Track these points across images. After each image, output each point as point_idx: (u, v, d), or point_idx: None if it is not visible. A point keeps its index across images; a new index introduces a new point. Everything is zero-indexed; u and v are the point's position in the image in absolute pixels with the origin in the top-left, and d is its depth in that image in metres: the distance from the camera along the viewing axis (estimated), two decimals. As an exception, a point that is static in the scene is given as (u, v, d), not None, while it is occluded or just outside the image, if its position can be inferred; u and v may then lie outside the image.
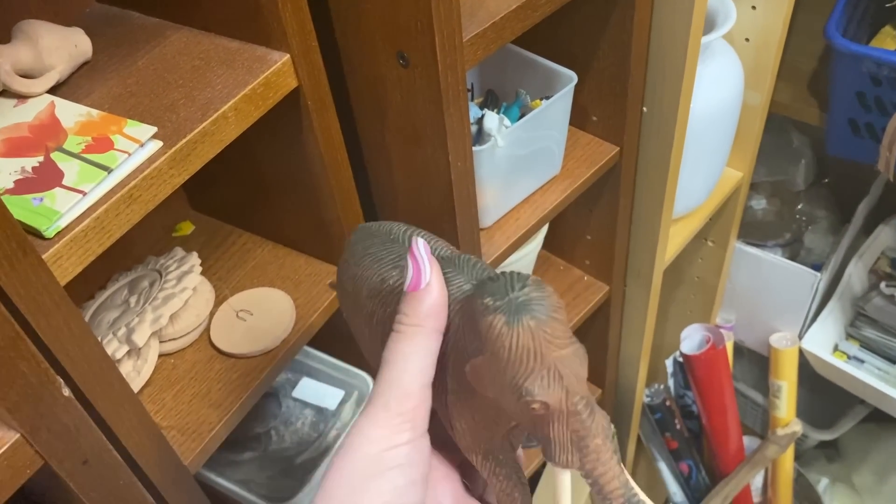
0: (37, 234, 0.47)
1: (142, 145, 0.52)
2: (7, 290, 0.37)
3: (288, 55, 0.59)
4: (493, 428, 0.35)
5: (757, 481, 1.45)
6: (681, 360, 1.33)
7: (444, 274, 0.35)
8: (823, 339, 1.35)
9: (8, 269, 0.42)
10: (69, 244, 0.48)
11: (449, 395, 0.35)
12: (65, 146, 0.52)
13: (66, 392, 0.39)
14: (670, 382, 1.37)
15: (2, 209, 0.41)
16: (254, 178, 0.76)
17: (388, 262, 0.38)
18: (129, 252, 0.79)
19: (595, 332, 1.12)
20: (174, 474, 0.57)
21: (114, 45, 0.62)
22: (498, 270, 0.36)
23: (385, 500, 0.32)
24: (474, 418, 0.35)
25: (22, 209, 0.48)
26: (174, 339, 0.70)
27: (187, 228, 0.83)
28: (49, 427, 0.39)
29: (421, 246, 0.34)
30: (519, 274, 0.32)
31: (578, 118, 0.86)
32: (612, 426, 0.31)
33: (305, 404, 0.85)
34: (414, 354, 0.33)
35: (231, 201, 0.81)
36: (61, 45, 0.58)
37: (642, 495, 0.33)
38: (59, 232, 0.48)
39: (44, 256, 0.46)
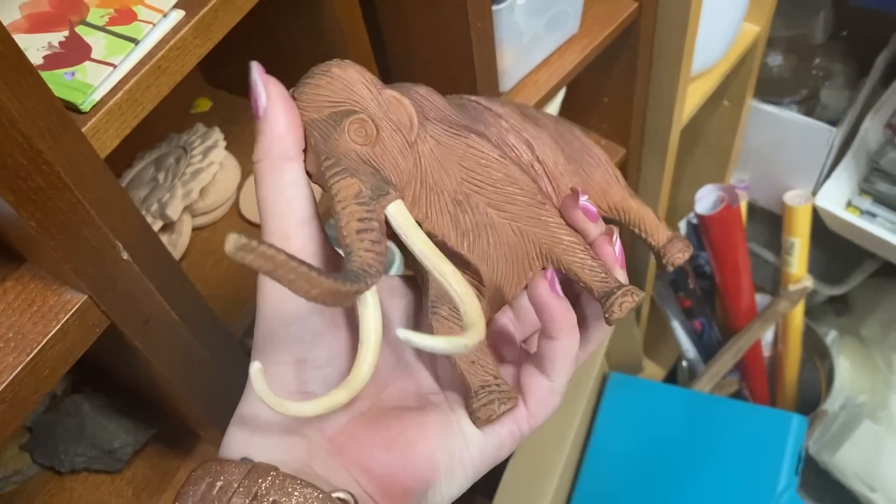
0: (73, 109, 0.48)
1: (165, 15, 0.51)
2: (54, 161, 0.38)
3: (301, -85, 0.57)
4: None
5: (767, 336, 1.50)
6: (695, 221, 1.35)
7: None
8: (837, 195, 1.36)
9: (51, 142, 0.43)
10: (105, 117, 0.48)
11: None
12: (88, 19, 0.52)
13: (125, 255, 0.41)
14: (683, 244, 1.39)
15: (40, 84, 0.42)
16: (269, 49, 0.75)
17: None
18: (151, 131, 0.80)
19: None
20: (219, 339, 0.60)
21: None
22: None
23: (302, 347, 0.31)
24: None
25: (55, 84, 0.48)
26: (205, 213, 0.72)
27: (205, 105, 0.83)
28: (113, 288, 0.41)
29: (254, 69, 0.32)
30: None
31: (595, -25, 0.84)
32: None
33: (334, 273, 0.87)
34: (272, 195, 0.30)
35: (247, 76, 0.81)
36: (70, -85, 0.56)
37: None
38: (94, 105, 0.48)
39: (83, 130, 0.47)
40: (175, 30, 0.51)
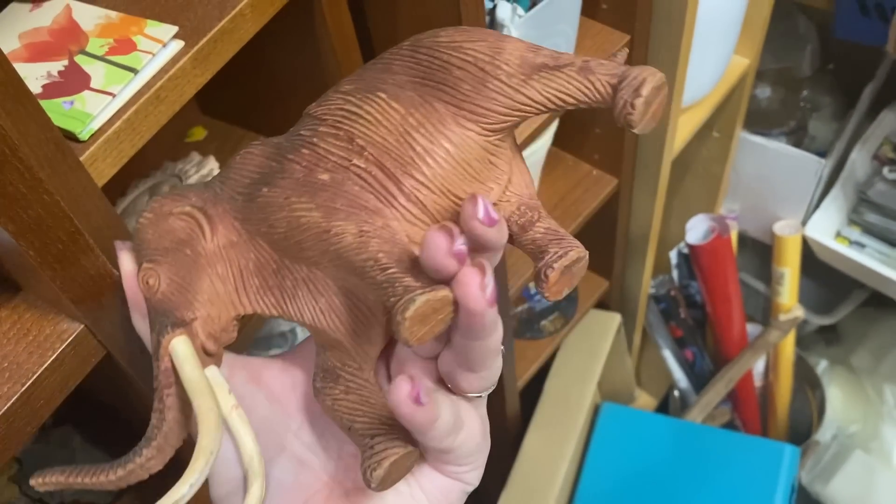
0: (72, 137, 0.48)
1: (164, 45, 0.52)
2: (54, 191, 0.38)
3: (299, -53, 0.58)
4: None
5: (759, 366, 1.51)
6: (685, 251, 1.35)
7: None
8: (826, 226, 1.37)
9: (50, 171, 0.43)
10: (103, 146, 0.48)
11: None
12: (88, 49, 0.52)
13: (123, 285, 0.41)
14: (674, 273, 1.40)
15: (40, 112, 0.42)
16: (265, 79, 0.75)
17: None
18: (145, 159, 0.79)
19: (603, 226, 1.14)
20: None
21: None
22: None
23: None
24: None
25: (54, 113, 0.48)
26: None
27: (200, 134, 0.83)
28: (109, 318, 0.41)
29: (117, 245, 0.38)
30: None
31: (588, 6, 0.85)
32: None
33: (328, 302, 0.87)
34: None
35: (242, 104, 0.81)
36: (70, -54, 0.57)
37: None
38: (92, 134, 0.48)
39: (81, 159, 0.47)
40: (174, 60, 0.52)
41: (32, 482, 0.30)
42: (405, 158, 0.31)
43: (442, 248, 0.26)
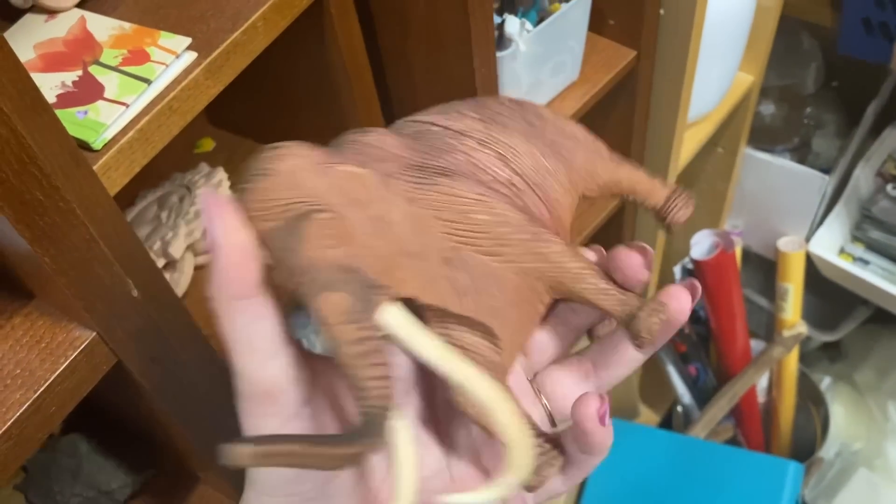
0: (85, 147, 0.48)
1: (178, 57, 0.52)
2: (70, 199, 0.38)
3: (313, -38, 0.58)
4: None
5: (762, 382, 1.50)
6: (690, 266, 1.35)
7: None
8: (830, 242, 1.37)
9: (64, 180, 0.44)
10: (116, 156, 0.49)
11: None
12: (102, 60, 0.53)
13: (136, 293, 0.41)
14: (679, 289, 1.40)
15: (55, 122, 0.42)
16: (274, 91, 0.76)
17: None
18: (154, 169, 0.80)
19: (608, 241, 1.14)
20: (221, 381, 0.60)
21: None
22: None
23: None
24: None
25: (68, 122, 0.48)
26: (207, 252, 0.72)
27: (208, 145, 0.84)
28: (121, 326, 0.41)
29: (205, 197, 0.28)
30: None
31: (595, 22, 0.86)
32: None
33: (334, 314, 0.87)
34: (231, 336, 0.27)
35: (251, 116, 0.82)
36: (85, -42, 0.58)
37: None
38: (105, 144, 0.49)
39: (94, 168, 0.47)
40: (187, 71, 0.52)
41: (232, 452, 0.23)
42: (549, 194, 0.34)
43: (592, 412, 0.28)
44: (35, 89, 0.40)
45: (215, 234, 0.26)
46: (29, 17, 0.57)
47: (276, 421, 0.27)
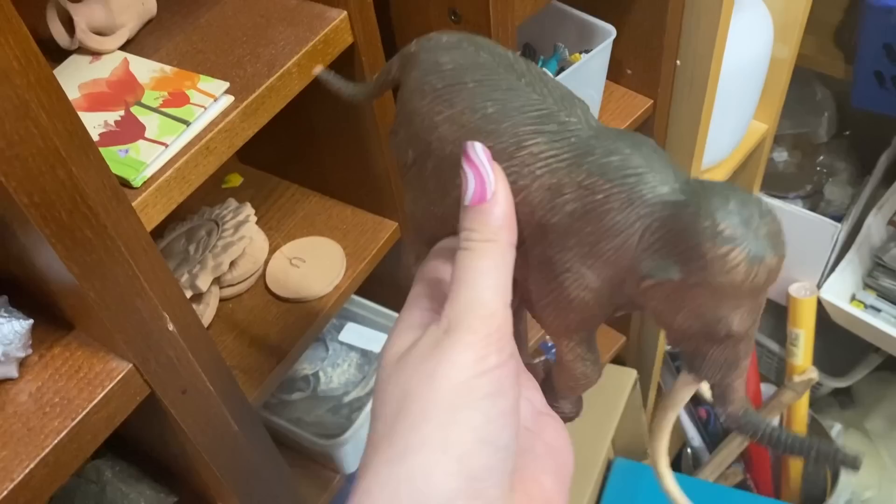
0: (125, 184, 0.51)
1: (216, 100, 0.54)
2: (116, 236, 0.40)
3: (345, 12, 0.61)
4: (595, 323, 0.33)
5: (772, 426, 1.50)
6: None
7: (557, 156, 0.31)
8: (841, 289, 1.38)
9: (103, 216, 0.46)
10: (154, 193, 0.51)
11: (544, 287, 0.33)
12: (143, 101, 0.55)
13: (171, 327, 0.43)
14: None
15: (100, 160, 0.45)
16: (303, 131, 0.78)
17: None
18: (183, 203, 0.82)
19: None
20: (245, 411, 0.61)
21: (175, 3, 0.65)
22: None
23: (477, 435, 0.29)
24: (578, 318, 0.32)
25: (110, 160, 0.51)
26: (232, 284, 0.74)
27: (236, 180, 0.86)
28: (156, 358, 0.43)
29: (479, 150, 0.30)
30: (747, 195, 0.28)
31: (613, 71, 0.88)
32: None
33: (351, 347, 0.89)
34: (491, 272, 0.30)
35: (279, 154, 0.84)
36: (130, 4, 0.60)
37: (751, 407, 0.33)
38: (145, 182, 0.51)
39: (133, 204, 0.50)
40: (224, 113, 0.55)
41: None
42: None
43: None
44: (83, 130, 0.42)
45: (491, 185, 0.30)
46: (74, 58, 0.59)
47: (494, 362, 0.29)
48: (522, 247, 0.33)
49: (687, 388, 0.33)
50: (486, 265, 0.30)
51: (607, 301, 0.32)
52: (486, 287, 0.30)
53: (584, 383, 0.37)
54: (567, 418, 0.39)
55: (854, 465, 0.31)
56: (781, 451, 0.32)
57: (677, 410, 0.35)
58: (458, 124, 0.33)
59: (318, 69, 0.38)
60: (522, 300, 0.35)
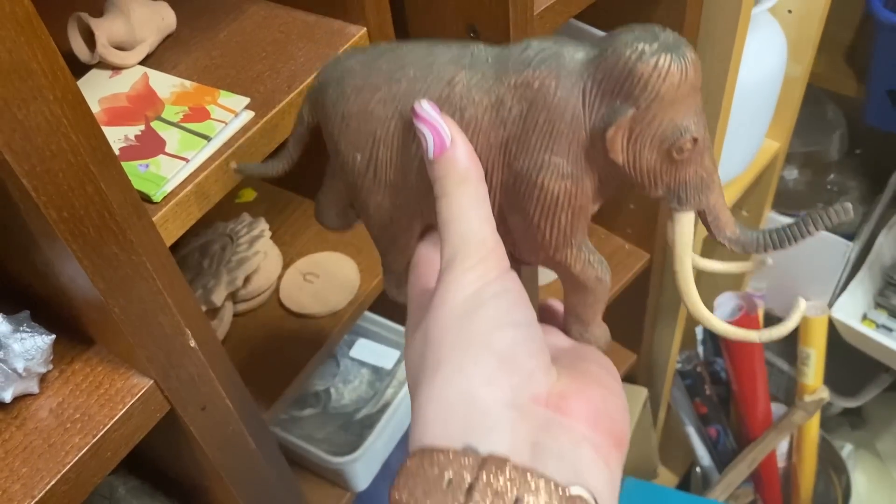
0: (145, 199, 0.51)
1: (237, 115, 0.54)
2: (142, 251, 0.40)
3: (364, 29, 0.61)
4: (588, 216, 0.36)
5: (782, 446, 1.49)
6: (712, 327, 1.36)
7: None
8: (853, 308, 1.37)
9: (126, 230, 0.46)
10: (174, 208, 0.51)
11: (527, 213, 0.35)
12: (164, 115, 0.55)
13: (192, 343, 0.42)
14: (700, 349, 1.40)
15: (122, 175, 0.45)
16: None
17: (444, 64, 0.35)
18: (196, 218, 0.82)
19: (633, 300, 1.15)
20: (257, 426, 0.61)
21: (195, 18, 0.65)
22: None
23: (493, 324, 0.31)
24: (571, 216, 0.34)
25: (131, 175, 0.51)
26: (246, 300, 0.74)
27: (249, 195, 0.86)
28: (177, 375, 0.42)
29: (426, 106, 0.33)
30: (643, 24, 0.32)
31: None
32: None
33: (362, 364, 0.88)
34: (471, 206, 0.33)
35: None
36: (150, 18, 0.61)
37: (742, 225, 0.36)
38: (164, 196, 0.51)
39: (153, 219, 0.49)
40: (245, 129, 0.55)
41: None
42: None
43: None
44: (107, 145, 0.42)
45: (447, 133, 0.33)
46: (94, 73, 0.59)
47: (494, 274, 0.32)
48: (492, 191, 0.35)
49: (685, 224, 0.35)
50: (465, 202, 0.33)
51: (589, 184, 0.34)
52: (471, 219, 0.32)
53: (601, 290, 0.38)
54: (601, 346, 0.40)
55: (846, 214, 0.33)
56: (787, 245, 0.35)
57: (690, 252, 0.36)
58: (390, 99, 0.35)
59: (233, 165, 0.42)
60: (513, 258, 0.36)
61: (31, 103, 0.31)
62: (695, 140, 0.32)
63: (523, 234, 0.36)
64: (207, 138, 0.53)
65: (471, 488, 0.26)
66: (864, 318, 1.39)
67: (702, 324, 0.38)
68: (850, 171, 1.44)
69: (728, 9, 0.81)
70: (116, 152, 0.54)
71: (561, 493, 0.27)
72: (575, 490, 0.27)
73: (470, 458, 0.27)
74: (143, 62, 0.61)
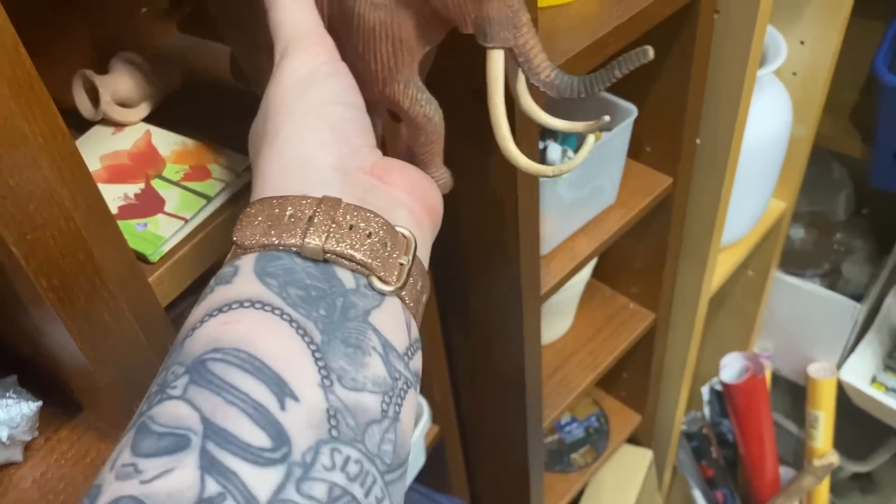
0: (142, 259, 0.50)
1: (238, 175, 0.54)
2: (135, 319, 0.39)
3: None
4: (412, 52, 0.38)
5: (791, 511, 1.45)
6: (718, 387, 1.33)
7: None
8: (862, 370, 1.35)
9: (121, 297, 0.45)
10: (172, 268, 0.50)
11: (354, 45, 0.38)
12: (164, 174, 0.55)
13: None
14: (706, 410, 1.38)
15: (118, 235, 0.44)
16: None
17: None
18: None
19: (638, 360, 1.13)
20: None
21: (198, 75, 0.65)
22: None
23: (328, 99, 0.34)
24: (391, 48, 0.37)
25: (128, 234, 0.50)
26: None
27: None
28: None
29: None
30: None
31: (632, 148, 0.88)
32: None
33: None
34: (297, 7, 0.36)
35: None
36: (154, 76, 0.60)
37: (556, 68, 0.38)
38: (162, 257, 0.50)
39: (149, 280, 0.48)
40: (245, 189, 0.54)
41: None
42: None
43: None
44: (103, 204, 0.41)
45: None
46: (97, 129, 0.59)
47: (325, 58, 0.36)
48: (326, 24, 0.38)
49: (495, 61, 0.37)
50: (290, 3, 0.36)
51: (408, 19, 0.36)
52: (296, 16, 0.36)
53: (431, 128, 0.40)
54: (443, 187, 0.43)
55: (646, 56, 0.36)
56: (597, 88, 0.37)
57: (501, 89, 0.38)
58: None
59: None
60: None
61: (24, 170, 0.30)
62: None
63: (355, 68, 0.38)
64: (208, 198, 0.52)
65: (310, 219, 0.29)
66: (874, 380, 1.37)
67: (509, 159, 0.41)
68: (857, 230, 1.43)
69: (733, 71, 0.81)
70: (115, 211, 0.53)
71: (388, 228, 0.31)
72: (400, 229, 0.32)
73: (308, 199, 0.31)
74: (147, 119, 0.60)
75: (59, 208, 0.33)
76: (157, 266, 0.49)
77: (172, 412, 0.26)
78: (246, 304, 0.28)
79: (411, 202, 0.35)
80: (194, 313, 0.29)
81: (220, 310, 0.28)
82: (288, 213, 0.30)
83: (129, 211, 0.52)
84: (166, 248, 0.50)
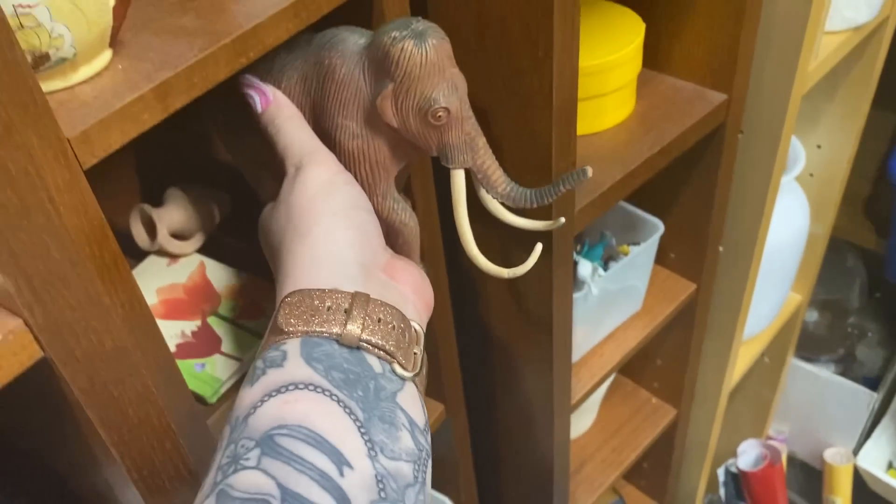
0: (199, 400, 0.51)
1: (291, 313, 0.56)
2: (192, 463, 0.40)
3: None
4: (388, 170, 0.43)
5: None
6: (734, 470, 1.34)
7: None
8: (878, 456, 1.35)
9: (177, 432, 0.46)
10: (227, 411, 0.52)
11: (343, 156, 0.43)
12: (220, 311, 0.57)
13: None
14: (722, 491, 1.37)
15: (179, 378, 0.45)
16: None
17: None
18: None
19: (659, 455, 1.14)
20: None
21: (247, 202, 0.67)
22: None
23: (351, 203, 0.39)
24: (369, 168, 0.42)
25: (187, 375, 0.52)
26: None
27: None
28: None
29: (248, 77, 0.43)
30: (406, 17, 0.41)
31: (657, 254, 0.90)
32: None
33: None
34: (297, 128, 0.42)
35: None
36: (207, 207, 0.63)
37: (512, 182, 0.44)
38: (219, 398, 0.52)
39: (207, 422, 0.50)
40: (297, 326, 0.56)
41: None
42: None
43: None
44: (167, 352, 0.43)
45: (269, 91, 0.43)
46: (152, 259, 0.61)
47: (338, 168, 0.40)
48: None
49: (457, 180, 0.43)
50: (296, 126, 0.42)
51: (382, 144, 0.42)
52: (304, 136, 0.41)
53: (408, 232, 0.45)
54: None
55: (584, 175, 0.42)
56: (547, 200, 0.43)
57: (464, 203, 0.44)
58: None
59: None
60: None
61: (126, 380, 0.32)
62: (447, 109, 0.39)
63: None
64: (260, 337, 0.54)
65: (347, 311, 0.34)
66: (890, 466, 1.37)
67: (472, 261, 0.46)
68: (871, 315, 1.45)
69: (757, 183, 0.83)
70: (173, 349, 0.55)
71: (405, 322, 0.36)
72: (412, 323, 0.37)
73: (341, 293, 0.34)
74: (200, 250, 0.62)
75: (154, 408, 0.35)
76: (215, 407, 0.51)
77: (251, 480, 0.29)
78: (301, 386, 0.32)
79: (415, 299, 0.40)
80: (251, 393, 0.32)
81: (277, 391, 0.32)
82: (327, 304, 0.34)
83: (187, 350, 0.54)
84: (224, 389, 0.52)
